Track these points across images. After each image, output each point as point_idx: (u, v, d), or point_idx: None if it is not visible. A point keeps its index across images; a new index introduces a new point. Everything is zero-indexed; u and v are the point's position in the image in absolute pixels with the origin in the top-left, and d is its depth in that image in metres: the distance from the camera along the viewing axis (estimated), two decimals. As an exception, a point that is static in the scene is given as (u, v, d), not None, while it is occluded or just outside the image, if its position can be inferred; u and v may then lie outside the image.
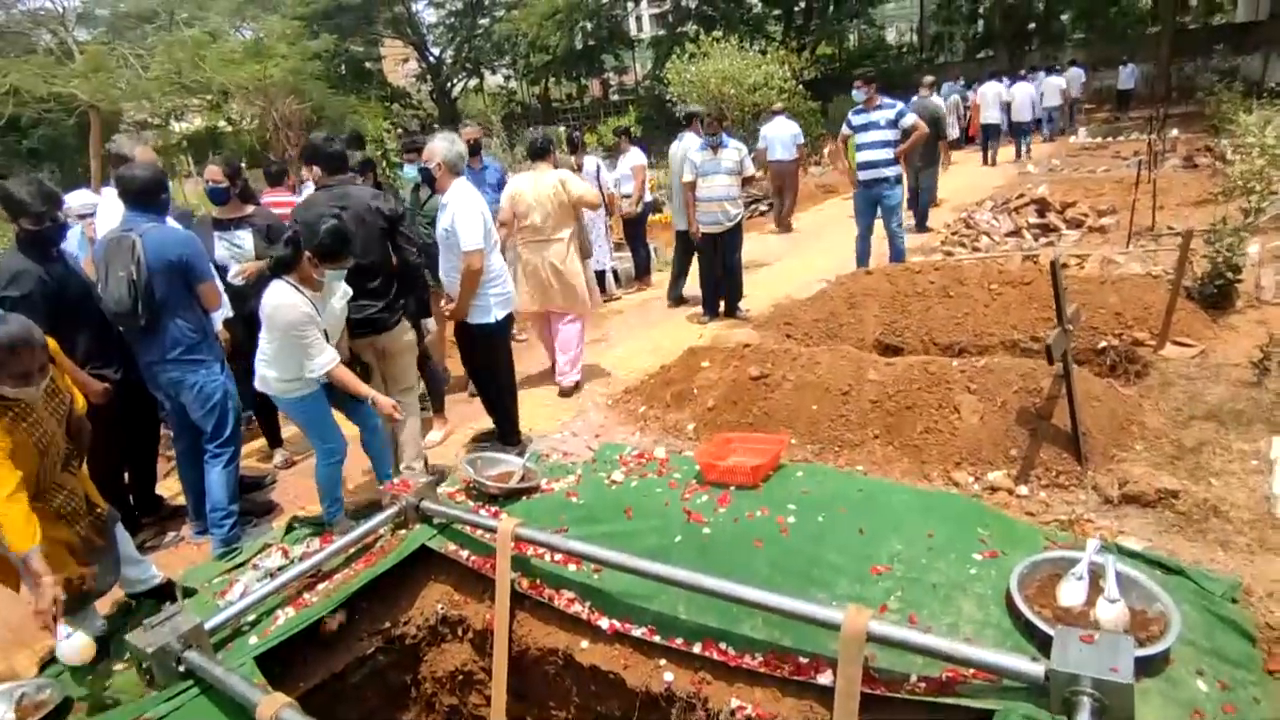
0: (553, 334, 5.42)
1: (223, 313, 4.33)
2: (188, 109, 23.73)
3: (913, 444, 3.72)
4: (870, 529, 2.52)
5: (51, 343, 2.63)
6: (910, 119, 6.73)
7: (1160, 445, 3.45)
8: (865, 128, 6.83)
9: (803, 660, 2.21)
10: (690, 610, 2.46)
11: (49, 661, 2.91)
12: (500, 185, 6.73)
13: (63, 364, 2.87)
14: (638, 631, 2.52)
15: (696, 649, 2.39)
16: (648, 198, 8.29)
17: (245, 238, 4.55)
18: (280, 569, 3.00)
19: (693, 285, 7.21)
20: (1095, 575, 2.12)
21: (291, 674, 2.72)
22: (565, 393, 5.32)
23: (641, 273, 8.53)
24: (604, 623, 2.60)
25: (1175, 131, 13.33)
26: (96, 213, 4.78)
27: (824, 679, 2.13)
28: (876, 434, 3.84)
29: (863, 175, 6.93)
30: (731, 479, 2.90)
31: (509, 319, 4.34)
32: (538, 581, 2.81)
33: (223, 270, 4.42)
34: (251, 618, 2.68)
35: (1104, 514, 3.03)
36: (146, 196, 3.63)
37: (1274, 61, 20.14)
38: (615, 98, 29.96)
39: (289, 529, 3.55)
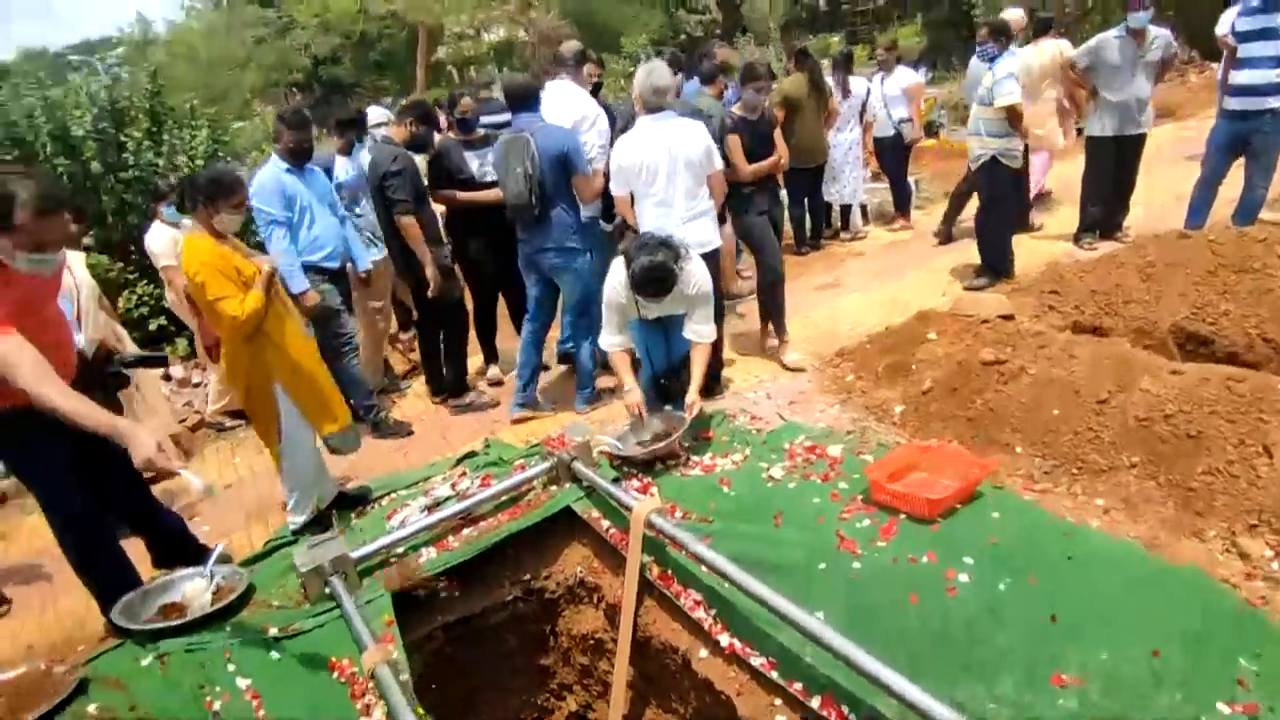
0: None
1: (592, 209, 4.34)
2: (494, 20, 25.67)
3: (1187, 486, 2.81)
4: (1068, 616, 1.92)
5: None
6: None
7: None
8: (1256, 35, 4.89)
9: (936, 765, 1.77)
10: (816, 655, 2.10)
11: (272, 539, 3.41)
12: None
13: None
14: (756, 661, 2.23)
15: (814, 703, 2.04)
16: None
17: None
18: (441, 502, 3.14)
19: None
20: None
21: (432, 607, 2.87)
22: None
23: (899, 208, 7.53)
24: (724, 639, 2.35)
25: None
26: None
27: (958, 797, 1.69)
28: (1135, 462, 2.97)
29: (1235, 103, 5.03)
30: (903, 506, 2.40)
31: None
32: (669, 572, 2.62)
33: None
34: (400, 550, 2.84)
35: None
36: (525, 98, 4.02)
37: None
38: (913, -2, 26.57)
39: (468, 454, 3.74)
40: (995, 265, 5.29)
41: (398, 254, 4.49)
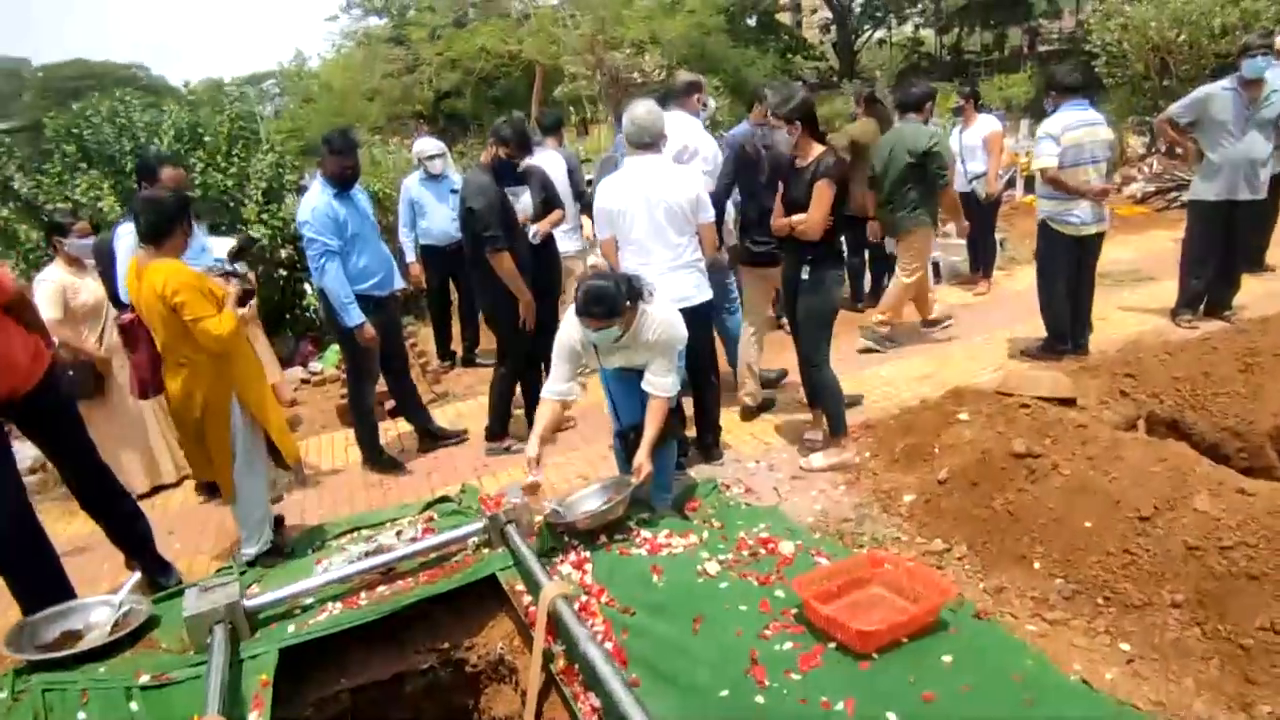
0: None
1: None
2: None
3: (1240, 641, 2.23)
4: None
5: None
6: None
7: None
8: None
9: None
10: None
11: (223, 569, 3.31)
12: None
13: None
14: (637, 800, 1.86)
15: None
16: (1003, 174, 6.60)
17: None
18: (372, 553, 2.93)
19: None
20: None
21: (340, 666, 2.64)
22: None
23: (977, 269, 6.90)
24: (611, 761, 1.99)
25: None
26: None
27: None
28: (1178, 600, 2.39)
29: None
30: (833, 632, 1.98)
31: None
32: (574, 668, 2.29)
33: None
34: (309, 602, 2.64)
35: None
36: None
37: None
38: (1043, 49, 25.20)
39: (440, 499, 3.53)
40: (1053, 337, 4.71)
41: (476, 285, 4.35)
